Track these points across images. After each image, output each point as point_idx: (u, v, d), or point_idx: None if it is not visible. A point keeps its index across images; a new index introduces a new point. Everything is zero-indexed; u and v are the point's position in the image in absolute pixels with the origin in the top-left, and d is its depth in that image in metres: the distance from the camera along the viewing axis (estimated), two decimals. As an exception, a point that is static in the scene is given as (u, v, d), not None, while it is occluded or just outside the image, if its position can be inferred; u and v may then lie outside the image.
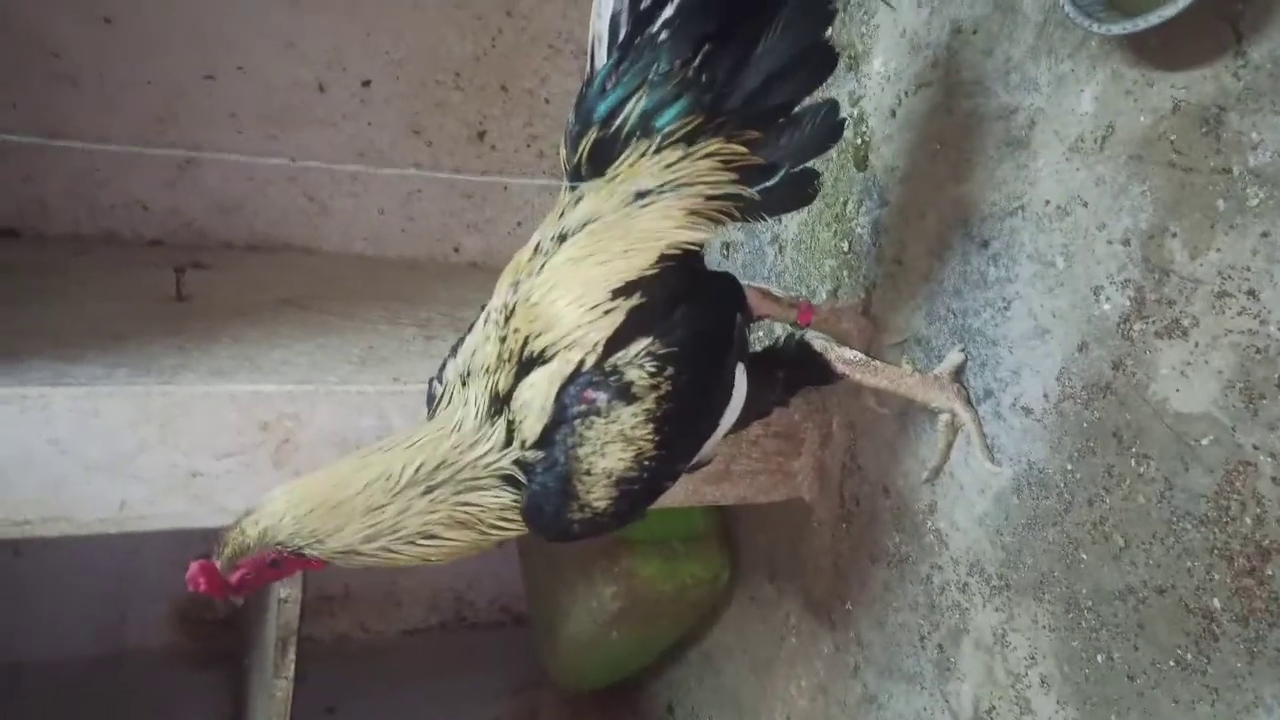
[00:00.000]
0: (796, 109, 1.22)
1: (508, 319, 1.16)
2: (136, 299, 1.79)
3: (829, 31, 1.17)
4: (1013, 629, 1.36)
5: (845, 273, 1.70)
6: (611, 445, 1.09)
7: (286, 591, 1.56)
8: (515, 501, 1.11)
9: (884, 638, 1.61)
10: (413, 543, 1.09)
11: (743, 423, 1.38)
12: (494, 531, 1.12)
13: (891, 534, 1.59)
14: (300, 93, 2.25)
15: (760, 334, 1.85)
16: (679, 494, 1.65)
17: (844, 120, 1.23)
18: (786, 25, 1.15)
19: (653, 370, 1.11)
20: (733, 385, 1.25)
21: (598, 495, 1.11)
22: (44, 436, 1.31)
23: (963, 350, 1.44)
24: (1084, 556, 1.25)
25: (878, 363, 1.43)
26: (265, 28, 2.21)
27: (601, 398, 1.09)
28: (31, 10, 2.04)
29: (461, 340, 1.24)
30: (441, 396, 1.19)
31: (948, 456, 1.45)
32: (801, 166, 1.22)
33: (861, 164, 1.66)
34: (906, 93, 1.56)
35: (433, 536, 1.09)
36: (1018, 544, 1.35)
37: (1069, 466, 1.28)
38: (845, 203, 1.70)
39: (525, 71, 2.41)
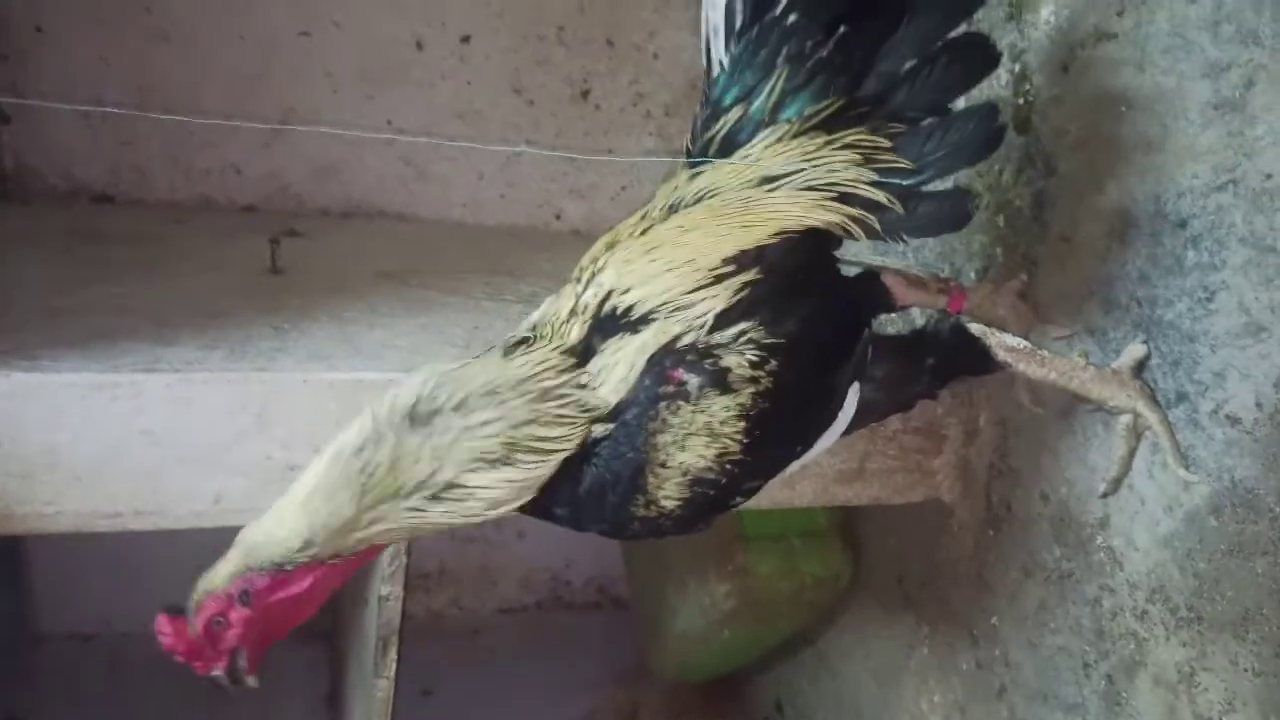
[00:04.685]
0: (949, 108, 1.09)
1: (594, 275, 1.03)
2: (232, 271, 1.70)
3: (970, 22, 1.10)
4: (1204, 668, 1.19)
5: (999, 250, 1.52)
6: (695, 438, 0.95)
7: (388, 589, 1.47)
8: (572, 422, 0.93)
9: (1037, 660, 1.44)
10: (432, 498, 0.88)
11: (882, 415, 1.24)
12: (532, 460, 0.90)
13: (1051, 546, 1.42)
14: (397, 50, 2.13)
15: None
16: (808, 494, 1.51)
17: (1004, 126, 1.09)
18: (925, 7, 1.04)
19: (754, 359, 0.96)
20: (839, 406, 1.09)
21: (668, 493, 0.96)
22: (136, 426, 1.23)
23: (1145, 342, 1.26)
24: (1303, 595, 1.07)
25: (1045, 352, 1.25)
26: (362, -20, 2.09)
27: (693, 381, 0.95)
28: (124, -36, 1.95)
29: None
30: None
31: (1130, 465, 1.27)
32: (954, 183, 1.10)
33: (1023, 127, 1.46)
34: (1083, 46, 1.36)
35: (454, 487, 0.88)
36: (1215, 572, 1.17)
37: (1287, 488, 1.09)
38: (1001, 171, 1.51)
39: (633, 24, 2.24)
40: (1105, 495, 1.29)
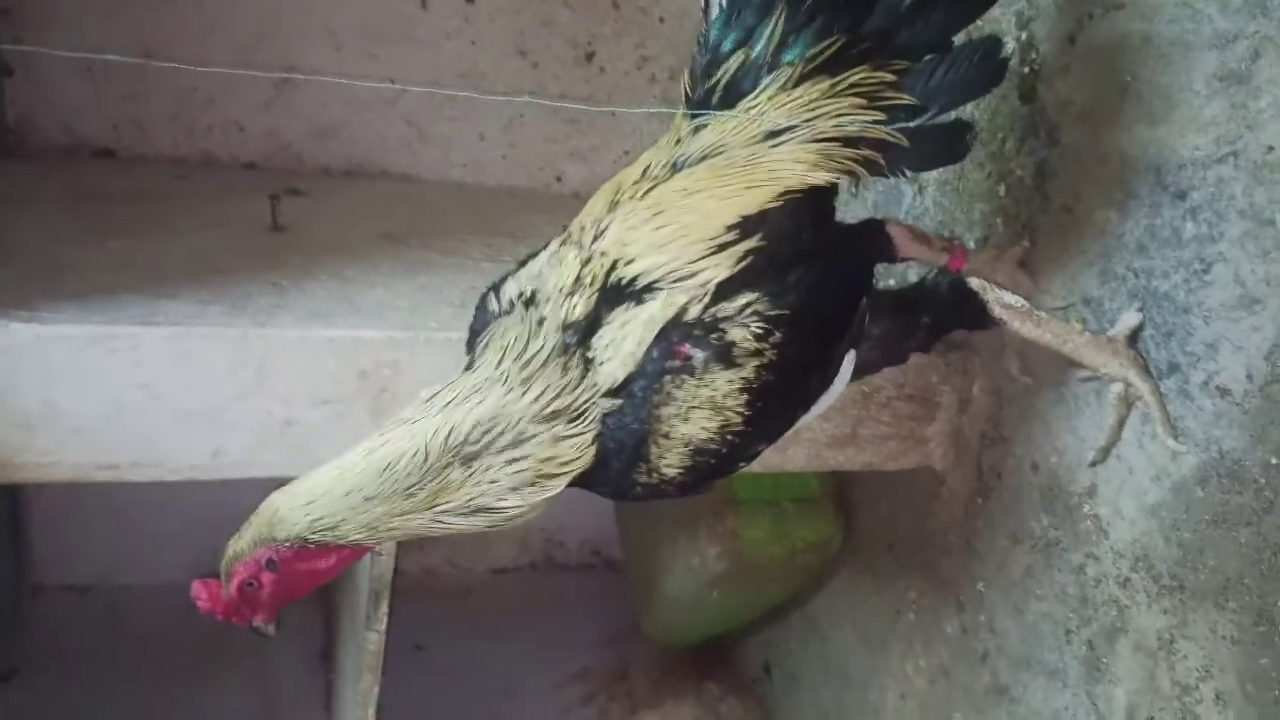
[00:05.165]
0: (953, 42, 1.08)
1: (596, 238, 1.03)
2: (233, 228, 1.70)
3: None
4: (1185, 636, 1.20)
5: (1000, 220, 1.52)
6: (698, 410, 0.97)
7: (382, 544, 1.48)
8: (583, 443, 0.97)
9: (1022, 626, 1.46)
10: (464, 515, 0.95)
11: (875, 370, 1.24)
12: (552, 481, 0.97)
13: (1039, 515, 1.43)
14: (402, 8, 2.12)
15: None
16: (800, 458, 1.52)
17: (1007, 60, 1.09)
18: None
19: (759, 332, 0.98)
20: (835, 374, 1.11)
21: (670, 462, 0.98)
22: (134, 379, 1.24)
23: (1140, 310, 1.26)
24: (1285, 565, 1.09)
25: (1042, 313, 1.26)
26: (367, -63, 2.07)
27: (699, 356, 0.96)
28: (127, -82, 1.94)
29: (531, 256, 1.10)
30: (495, 323, 1.05)
31: (1119, 435, 1.28)
32: (954, 115, 1.08)
33: (1028, 96, 1.46)
34: (1091, 15, 1.35)
35: (485, 510, 0.95)
36: (1199, 542, 1.18)
37: (1273, 460, 1.10)
38: (1004, 140, 1.51)
39: (639, -14, 2.23)
40: (1094, 464, 1.31)
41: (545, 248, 1.11)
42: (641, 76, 2.29)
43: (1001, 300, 1.19)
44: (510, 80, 2.22)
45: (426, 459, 0.93)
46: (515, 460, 0.94)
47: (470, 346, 1.09)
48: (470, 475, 0.94)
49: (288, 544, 0.93)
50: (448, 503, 0.94)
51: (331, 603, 2.10)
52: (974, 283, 1.19)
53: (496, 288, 1.09)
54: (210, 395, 1.27)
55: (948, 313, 1.19)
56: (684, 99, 1.14)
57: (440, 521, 0.95)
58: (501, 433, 0.94)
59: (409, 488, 0.93)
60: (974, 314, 1.20)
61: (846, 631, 1.93)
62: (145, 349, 1.24)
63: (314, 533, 0.93)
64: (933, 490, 1.65)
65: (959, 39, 1.10)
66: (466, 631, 2.40)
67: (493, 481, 0.94)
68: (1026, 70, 1.46)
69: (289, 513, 0.93)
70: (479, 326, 1.09)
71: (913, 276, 1.59)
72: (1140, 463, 1.26)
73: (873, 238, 1.17)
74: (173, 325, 1.25)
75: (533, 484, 0.95)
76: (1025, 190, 1.46)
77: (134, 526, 2.29)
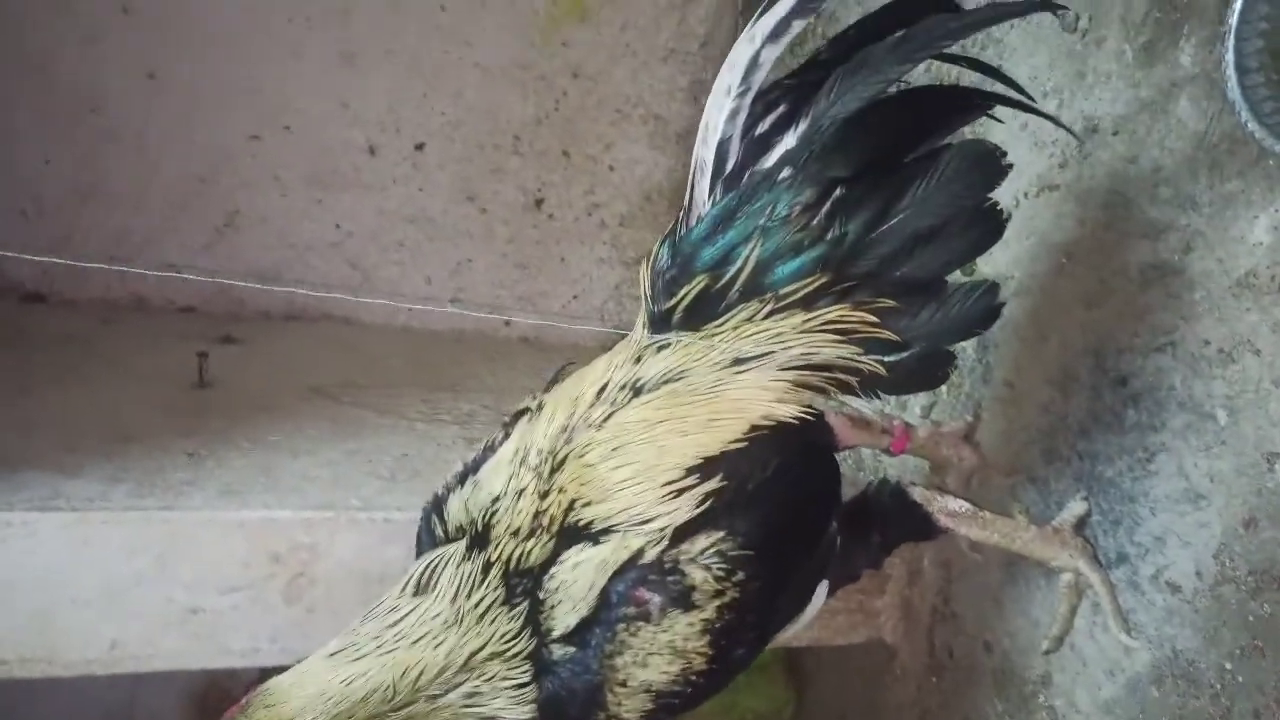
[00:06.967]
0: (945, 281, 1.00)
1: (553, 471, 0.97)
2: (156, 383, 1.64)
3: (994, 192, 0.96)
4: None
5: (944, 389, 1.49)
6: (657, 657, 0.91)
7: None
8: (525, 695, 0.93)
9: (979, 822, 1.38)
10: None
11: (830, 593, 1.19)
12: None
13: (992, 700, 1.36)
14: (350, 155, 2.11)
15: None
16: (744, 637, 1.45)
17: (1003, 304, 1.01)
18: (944, 177, 0.93)
19: (720, 574, 0.92)
20: (808, 601, 1.06)
21: (630, 708, 0.92)
22: (28, 567, 1.16)
23: (1085, 499, 1.23)
24: (1247, 780, 1.02)
25: (987, 514, 1.21)
26: (317, 86, 2.07)
27: (656, 601, 0.90)
28: (73, 63, 1.92)
29: (474, 467, 1.02)
30: (445, 553, 0.98)
31: (1072, 623, 1.22)
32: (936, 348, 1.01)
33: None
34: (1026, 194, 1.35)
35: None
36: (1157, 747, 1.12)
37: (1227, 665, 1.05)
38: (945, 309, 1.49)
39: (589, 137, 2.25)
40: (1047, 652, 1.25)
41: (490, 451, 1.03)
42: (591, 223, 2.29)
43: (945, 508, 1.15)
44: (458, 225, 2.20)
45: (395, 695, 0.91)
46: (469, 705, 0.92)
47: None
48: (434, 710, 0.92)
49: None
50: None
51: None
52: (917, 494, 1.15)
53: (439, 506, 1.02)
54: (109, 583, 1.20)
55: (895, 527, 1.14)
56: (644, 298, 1.04)
57: None
58: (457, 679, 0.92)
59: (379, 715, 0.91)
60: (920, 524, 1.15)
61: (799, 808, 1.82)
62: (42, 535, 1.17)
63: None
64: (885, 663, 1.58)
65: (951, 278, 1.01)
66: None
67: (454, 711, 0.93)
68: (966, 241, 1.45)
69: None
70: (421, 553, 1.03)
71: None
72: (1094, 654, 1.21)
73: (814, 431, 1.12)
74: (72, 510, 1.18)
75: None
76: (968, 362, 1.44)
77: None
